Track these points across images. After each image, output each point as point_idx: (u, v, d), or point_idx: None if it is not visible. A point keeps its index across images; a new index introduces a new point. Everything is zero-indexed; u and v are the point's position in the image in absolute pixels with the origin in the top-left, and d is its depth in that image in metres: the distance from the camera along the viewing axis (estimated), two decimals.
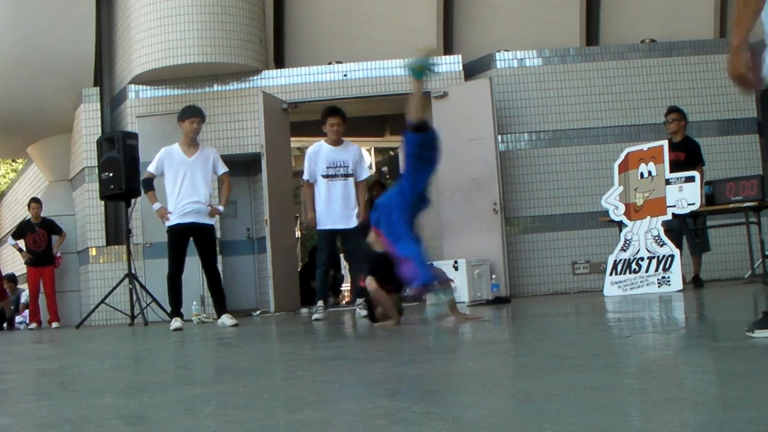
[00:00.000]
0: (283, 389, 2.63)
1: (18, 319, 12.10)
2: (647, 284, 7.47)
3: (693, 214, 7.86)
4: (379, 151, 15.06)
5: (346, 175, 7.09)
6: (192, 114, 7.12)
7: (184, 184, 6.97)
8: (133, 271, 8.81)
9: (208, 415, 2.10)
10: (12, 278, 12.88)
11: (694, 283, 8.08)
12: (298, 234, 12.87)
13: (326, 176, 7.05)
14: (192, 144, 7.10)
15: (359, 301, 7.23)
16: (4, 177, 24.12)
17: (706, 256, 8.41)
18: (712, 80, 10.20)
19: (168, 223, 7.04)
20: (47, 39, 10.83)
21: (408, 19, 11.15)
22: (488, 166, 9.34)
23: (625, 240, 7.77)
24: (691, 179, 7.46)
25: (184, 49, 9.80)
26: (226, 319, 6.85)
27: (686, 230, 8.14)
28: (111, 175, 8.95)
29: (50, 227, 10.99)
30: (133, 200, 9.07)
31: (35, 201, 11.17)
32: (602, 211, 8.32)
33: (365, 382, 2.67)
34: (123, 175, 8.80)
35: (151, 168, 7.17)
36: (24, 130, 11.87)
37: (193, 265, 7.24)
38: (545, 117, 10.13)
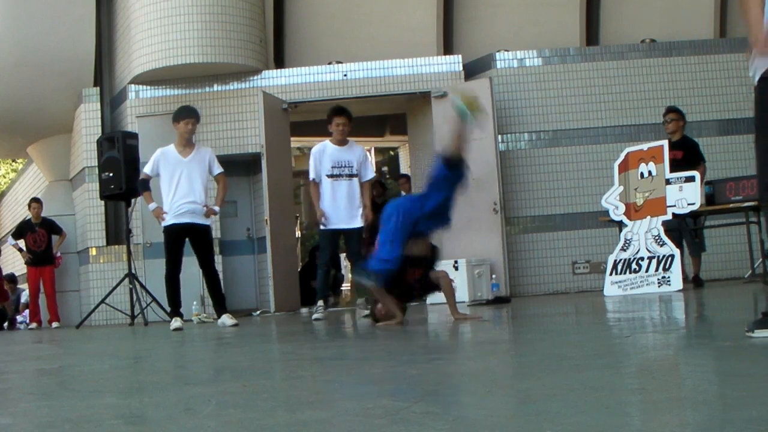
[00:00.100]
0: (283, 389, 2.62)
1: (18, 318, 12.09)
2: (647, 284, 7.48)
3: (693, 214, 7.86)
4: (379, 151, 15.07)
5: (351, 175, 7.09)
6: (187, 115, 7.11)
7: (179, 185, 6.96)
8: (133, 271, 8.81)
9: (208, 415, 2.10)
10: (12, 278, 12.88)
11: (694, 283, 8.08)
12: (298, 234, 12.87)
13: (331, 176, 7.05)
14: (187, 144, 7.10)
15: (359, 300, 7.23)
16: (4, 177, 24.12)
17: (705, 256, 8.41)
18: (712, 80, 10.21)
19: (164, 223, 7.03)
20: (47, 39, 10.83)
21: (408, 19, 11.16)
22: (488, 166, 9.34)
23: (625, 240, 7.78)
24: (691, 179, 7.46)
25: (184, 49, 9.80)
26: (226, 319, 6.85)
27: (685, 230, 8.14)
28: (111, 175, 8.96)
29: (50, 227, 10.99)
30: (133, 200, 9.07)
31: (36, 201, 11.17)
32: (602, 210, 8.32)
33: (365, 382, 2.67)
34: (123, 175, 8.80)
35: (147, 169, 7.17)
36: (24, 130, 11.87)
37: (192, 265, 7.23)
38: (545, 117, 10.13)
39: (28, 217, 11.34)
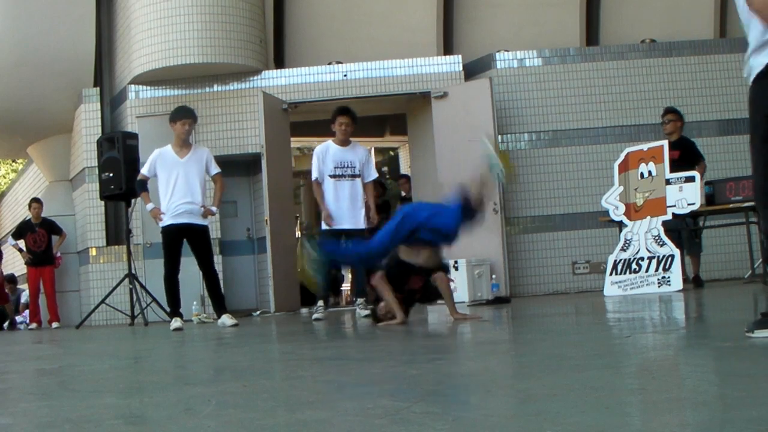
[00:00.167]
0: (283, 389, 2.63)
1: (18, 319, 12.09)
2: (647, 284, 7.47)
3: (693, 214, 7.86)
4: (379, 151, 15.06)
5: (353, 176, 7.09)
6: (184, 115, 7.11)
7: (176, 185, 6.96)
8: (133, 271, 8.81)
9: (208, 415, 2.10)
10: (12, 279, 12.88)
11: (694, 283, 8.09)
12: (298, 234, 12.87)
13: (333, 176, 7.05)
14: (184, 145, 7.09)
15: (359, 300, 7.23)
16: (4, 177, 24.12)
17: (705, 256, 8.41)
18: (712, 80, 10.21)
19: (161, 224, 7.03)
20: (47, 39, 10.83)
21: (408, 19, 11.16)
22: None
23: (625, 240, 7.77)
24: (691, 179, 7.46)
25: (184, 49, 9.80)
26: (226, 319, 6.85)
27: (684, 230, 8.13)
28: (111, 175, 8.96)
29: (50, 227, 10.99)
30: (133, 200, 9.07)
31: (36, 201, 11.16)
32: (602, 211, 8.32)
33: (365, 382, 2.67)
34: (123, 175, 8.80)
35: (144, 170, 7.18)
36: (24, 130, 11.87)
37: (192, 265, 7.23)
38: (545, 117, 10.13)
39: (28, 218, 11.34)
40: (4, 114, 11.34)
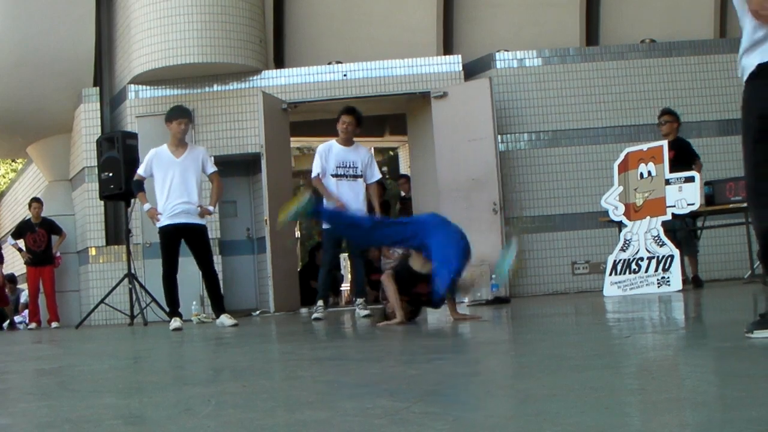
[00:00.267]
0: (283, 389, 2.62)
1: (18, 319, 12.09)
2: (647, 284, 7.47)
3: (692, 214, 7.86)
4: (379, 151, 15.06)
5: (355, 176, 7.09)
6: (179, 115, 7.10)
7: (173, 185, 6.94)
8: (132, 271, 8.81)
9: (208, 415, 2.10)
10: (11, 278, 12.88)
11: (694, 283, 8.09)
12: (297, 234, 12.87)
13: (335, 176, 7.05)
14: (180, 144, 7.08)
15: (359, 300, 7.23)
16: (4, 177, 24.11)
17: (705, 256, 8.41)
18: (712, 80, 10.21)
19: (158, 224, 7.01)
20: (47, 39, 10.83)
21: (408, 19, 11.16)
22: (488, 166, 9.34)
23: (625, 240, 7.77)
24: (690, 179, 7.47)
25: (184, 49, 9.80)
26: (226, 319, 6.84)
27: (680, 230, 8.13)
28: (111, 175, 8.96)
29: (50, 227, 10.98)
30: (132, 200, 9.06)
31: (36, 201, 11.16)
32: (602, 211, 8.32)
33: (365, 382, 2.66)
34: (123, 175, 8.80)
35: (140, 170, 7.17)
36: (24, 130, 11.87)
37: (191, 265, 7.23)
38: (545, 117, 10.13)
39: (27, 217, 11.33)
40: (4, 114, 11.34)
